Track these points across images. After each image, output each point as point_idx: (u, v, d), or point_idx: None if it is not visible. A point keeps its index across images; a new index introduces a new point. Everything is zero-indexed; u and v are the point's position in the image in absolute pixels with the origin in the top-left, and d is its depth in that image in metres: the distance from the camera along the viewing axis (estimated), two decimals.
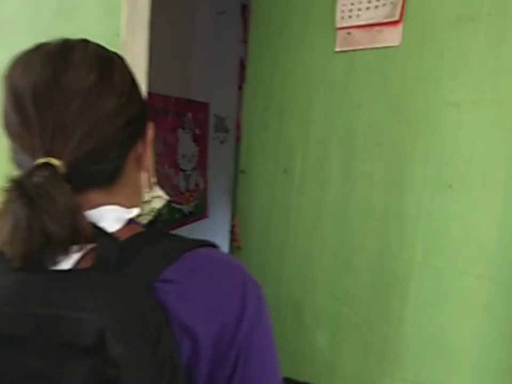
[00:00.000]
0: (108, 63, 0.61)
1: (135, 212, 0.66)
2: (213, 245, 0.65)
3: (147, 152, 0.69)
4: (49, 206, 0.52)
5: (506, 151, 1.02)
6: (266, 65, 1.58)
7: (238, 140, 4.10)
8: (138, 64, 0.98)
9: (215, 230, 3.72)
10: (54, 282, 0.53)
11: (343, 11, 1.25)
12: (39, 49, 0.60)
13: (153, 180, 0.77)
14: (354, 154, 1.30)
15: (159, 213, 0.95)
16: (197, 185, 3.28)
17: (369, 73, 1.24)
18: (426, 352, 1.19)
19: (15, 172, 0.58)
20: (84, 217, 0.55)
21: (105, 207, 0.61)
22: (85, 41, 0.62)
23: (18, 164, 0.60)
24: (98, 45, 0.63)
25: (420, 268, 1.18)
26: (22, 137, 0.58)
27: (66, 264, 0.55)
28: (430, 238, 1.15)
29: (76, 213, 0.54)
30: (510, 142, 1.01)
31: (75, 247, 0.55)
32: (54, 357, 0.48)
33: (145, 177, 0.71)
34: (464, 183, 1.10)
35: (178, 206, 2.98)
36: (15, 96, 0.58)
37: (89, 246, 0.56)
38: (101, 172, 0.60)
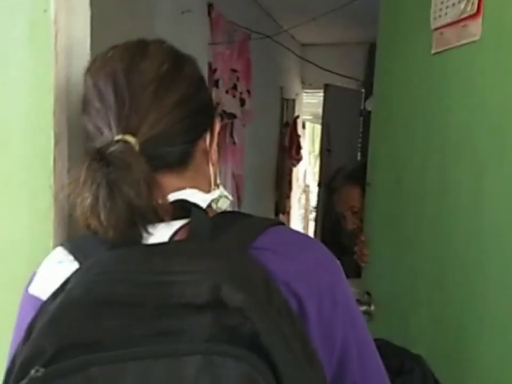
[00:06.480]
0: (179, 58, 0.67)
1: (216, 193, 0.69)
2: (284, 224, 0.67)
3: (213, 146, 0.72)
4: (127, 174, 0.55)
5: None
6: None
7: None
8: (77, 50, 0.79)
9: None
10: (153, 253, 0.55)
11: (435, 11, 1.20)
12: (117, 47, 0.67)
13: (218, 180, 0.76)
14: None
15: None
16: None
17: (456, 72, 1.15)
18: None
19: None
20: (160, 189, 0.57)
21: (189, 190, 0.64)
22: (160, 40, 0.69)
23: (94, 141, 0.64)
24: (172, 45, 0.70)
25: None
26: (101, 117, 0.62)
27: (161, 238, 0.58)
28: None
29: (152, 183, 0.56)
30: None
31: (163, 224, 0.59)
32: (171, 317, 0.49)
33: (212, 171, 0.72)
34: None
35: None
36: (95, 82, 0.64)
37: (180, 222, 0.60)
38: (170, 154, 0.63)
